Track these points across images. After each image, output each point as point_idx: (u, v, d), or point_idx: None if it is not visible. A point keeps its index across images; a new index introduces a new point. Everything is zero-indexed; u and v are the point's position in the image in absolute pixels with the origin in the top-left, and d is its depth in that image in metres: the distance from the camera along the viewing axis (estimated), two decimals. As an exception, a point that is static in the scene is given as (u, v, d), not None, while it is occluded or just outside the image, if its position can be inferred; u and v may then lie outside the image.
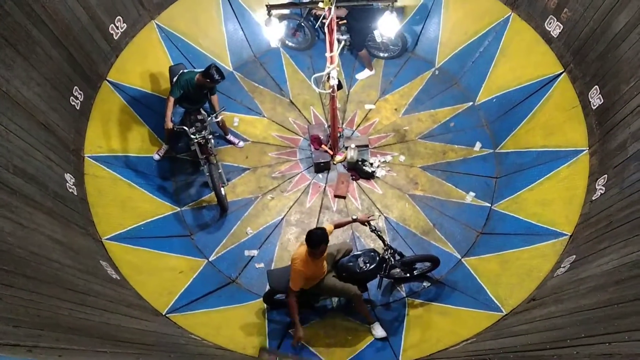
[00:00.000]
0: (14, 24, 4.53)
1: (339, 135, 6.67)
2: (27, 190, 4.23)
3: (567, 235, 5.11)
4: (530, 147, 6.19)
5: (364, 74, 7.58)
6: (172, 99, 6.02)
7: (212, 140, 6.27)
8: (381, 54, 7.74)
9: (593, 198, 5.00)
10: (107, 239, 5.27)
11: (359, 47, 7.37)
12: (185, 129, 6.05)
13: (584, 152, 5.46)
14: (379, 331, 5.22)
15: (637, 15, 4.69)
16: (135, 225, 5.68)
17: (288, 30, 7.59)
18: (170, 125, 6.03)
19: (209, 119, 6.19)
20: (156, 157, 6.59)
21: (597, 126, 5.35)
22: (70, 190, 5.04)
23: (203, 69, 5.94)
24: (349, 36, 7.37)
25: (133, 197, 5.90)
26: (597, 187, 5.00)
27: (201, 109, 6.38)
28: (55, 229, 4.29)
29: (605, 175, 4.93)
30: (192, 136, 6.01)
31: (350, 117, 7.23)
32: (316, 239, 4.45)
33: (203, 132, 6.08)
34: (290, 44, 7.72)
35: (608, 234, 4.28)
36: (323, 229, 4.54)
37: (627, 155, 4.62)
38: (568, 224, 5.16)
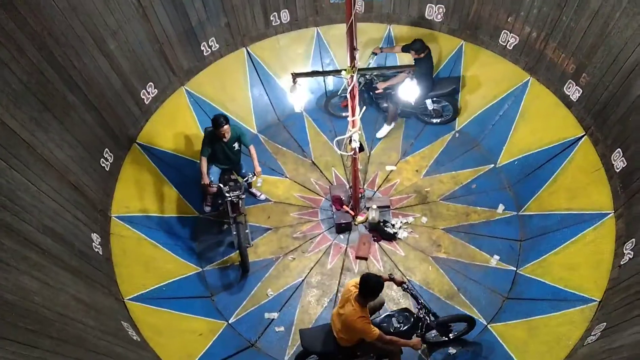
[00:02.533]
0: (53, 90, 4.81)
1: (360, 196, 6.71)
2: (55, 249, 4.33)
3: (596, 301, 4.95)
4: (554, 209, 6.13)
5: (384, 131, 7.70)
6: (203, 158, 6.14)
7: (243, 200, 6.37)
8: (434, 120, 7.78)
9: (622, 262, 4.87)
10: (129, 299, 5.28)
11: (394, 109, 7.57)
12: (220, 186, 6.17)
13: (610, 215, 5.38)
14: None
15: (656, 80, 4.76)
16: (157, 286, 5.70)
17: (340, 101, 7.79)
18: (206, 180, 6.13)
19: (245, 180, 6.34)
20: (207, 209, 6.89)
21: (622, 189, 5.29)
22: (96, 249, 5.13)
23: None
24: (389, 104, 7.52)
25: (156, 257, 5.96)
26: (625, 251, 4.88)
27: (234, 172, 6.59)
28: (80, 288, 4.35)
29: (634, 239, 4.83)
30: (227, 194, 6.12)
31: (371, 178, 7.30)
32: (376, 287, 4.22)
33: (237, 192, 6.18)
34: (343, 114, 7.74)
35: (639, 301, 4.14)
36: (380, 277, 4.29)
37: (654, 220, 4.55)
38: (597, 290, 5.01)
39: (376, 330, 4.44)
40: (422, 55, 6.89)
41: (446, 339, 5.50)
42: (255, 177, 6.39)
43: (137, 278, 5.56)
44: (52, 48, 4.77)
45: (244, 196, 6.30)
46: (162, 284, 5.77)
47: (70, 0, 4.93)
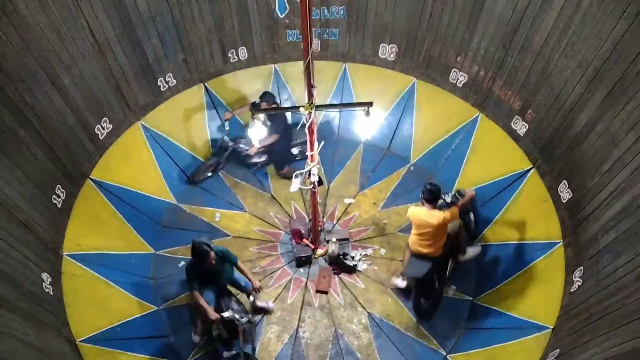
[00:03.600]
0: (3, 126, 4.68)
1: (320, 229, 6.75)
2: (2, 290, 4.13)
3: (549, 328, 5.11)
4: (507, 240, 6.33)
5: (294, 186, 5.67)
6: (195, 293, 5.34)
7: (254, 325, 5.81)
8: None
9: (571, 290, 5.07)
10: (81, 341, 5.06)
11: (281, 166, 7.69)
12: (232, 314, 5.39)
13: (559, 244, 5.61)
14: None
15: (594, 116, 5.07)
16: (111, 326, 5.49)
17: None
18: (214, 315, 5.32)
19: (250, 298, 5.96)
20: (196, 338, 5.92)
21: (569, 219, 5.55)
22: (47, 290, 4.92)
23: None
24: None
25: (111, 296, 5.75)
26: (574, 279, 5.09)
27: (231, 288, 5.96)
28: (29, 331, 4.15)
29: (581, 267, 5.05)
30: (240, 320, 5.39)
31: (330, 210, 7.36)
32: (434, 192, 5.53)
33: (248, 316, 5.55)
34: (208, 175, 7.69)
35: (589, 327, 4.31)
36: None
37: (599, 248, 4.78)
38: (549, 317, 5.18)
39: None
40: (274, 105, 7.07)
41: None
42: (257, 293, 5.98)
43: (89, 318, 5.34)
44: (2, 83, 4.67)
45: (255, 319, 5.82)
46: (116, 324, 5.56)
47: (24, 36, 4.87)
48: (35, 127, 5.16)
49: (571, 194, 5.51)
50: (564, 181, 5.64)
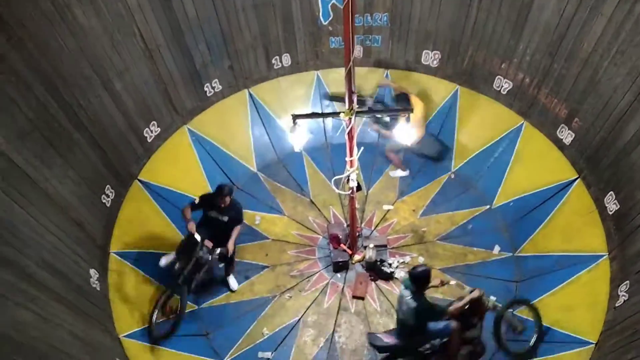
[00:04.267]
0: (58, 127, 4.95)
1: (357, 235, 6.76)
2: (53, 284, 4.36)
3: (592, 343, 4.95)
4: (550, 251, 6.18)
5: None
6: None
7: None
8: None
9: (616, 305, 4.90)
10: (124, 337, 5.27)
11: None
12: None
13: (604, 257, 5.43)
14: None
15: (645, 125, 4.91)
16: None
17: None
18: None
19: (217, 253, 6.00)
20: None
21: (616, 231, 5.37)
22: (94, 285, 5.15)
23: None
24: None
25: (154, 294, 5.96)
26: (619, 293, 4.92)
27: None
28: (76, 323, 4.36)
29: (628, 282, 4.88)
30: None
31: (368, 217, 7.37)
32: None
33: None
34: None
35: (634, 343, 4.15)
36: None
37: (647, 262, 4.61)
38: (592, 332, 5.02)
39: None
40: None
41: None
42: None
43: (133, 315, 5.55)
44: (59, 87, 4.96)
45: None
46: (157, 322, 5.75)
47: (79, 42, 5.15)
48: (88, 130, 5.43)
49: (618, 206, 5.33)
50: (611, 192, 5.46)
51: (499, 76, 6.88)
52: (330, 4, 7.11)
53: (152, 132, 6.54)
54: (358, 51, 7.59)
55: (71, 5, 4.94)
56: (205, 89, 7.12)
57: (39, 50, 4.66)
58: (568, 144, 6.19)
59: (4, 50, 4.25)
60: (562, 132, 6.25)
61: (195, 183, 7.08)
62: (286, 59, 7.63)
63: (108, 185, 5.83)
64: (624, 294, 4.82)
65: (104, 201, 5.75)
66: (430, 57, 7.41)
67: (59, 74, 4.94)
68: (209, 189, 7.30)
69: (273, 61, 7.58)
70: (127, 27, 5.69)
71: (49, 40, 4.79)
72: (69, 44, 5.01)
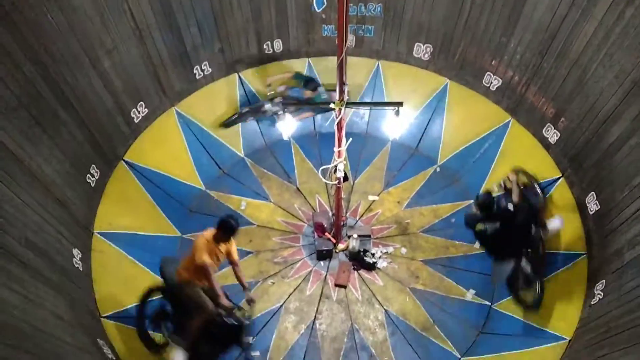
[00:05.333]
0: (45, 105, 4.87)
1: (342, 224, 6.81)
2: (36, 263, 4.33)
3: (566, 339, 5.09)
4: (530, 247, 6.28)
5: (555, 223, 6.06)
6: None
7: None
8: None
9: (592, 303, 5.03)
10: (105, 317, 5.26)
11: None
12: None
13: (583, 256, 5.55)
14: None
15: (629, 128, 4.99)
16: (134, 305, 5.67)
17: None
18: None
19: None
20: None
21: (595, 231, 5.48)
22: (76, 265, 5.13)
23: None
24: None
25: (136, 276, 5.94)
26: (595, 291, 5.04)
27: None
28: (59, 304, 4.34)
29: (604, 281, 4.99)
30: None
31: (354, 207, 7.41)
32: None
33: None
34: None
35: (607, 340, 4.28)
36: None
37: (623, 262, 4.72)
38: (567, 328, 5.16)
39: (208, 257, 4.86)
40: None
41: None
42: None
43: (115, 296, 5.54)
44: (47, 64, 4.87)
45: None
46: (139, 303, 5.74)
47: (69, 18, 5.05)
48: (74, 108, 5.36)
49: (599, 206, 5.44)
50: (593, 193, 5.56)
51: (489, 72, 6.93)
52: (324, -8, 7.07)
53: (139, 112, 6.47)
54: (350, 40, 7.56)
55: (61, -20, 4.84)
56: (195, 71, 7.05)
57: (27, 26, 4.56)
58: (553, 143, 6.28)
59: (-9, 25, 4.16)
60: (548, 131, 6.33)
61: (181, 166, 7.05)
62: (278, 45, 7.58)
63: (93, 165, 5.77)
64: (600, 292, 4.94)
65: (88, 181, 5.69)
66: (422, 50, 7.42)
67: (46, 50, 4.84)
68: (194, 172, 7.29)
69: (264, 46, 7.52)
70: (118, 4, 5.59)
71: (37, 15, 4.68)
72: (57, 20, 4.91)
